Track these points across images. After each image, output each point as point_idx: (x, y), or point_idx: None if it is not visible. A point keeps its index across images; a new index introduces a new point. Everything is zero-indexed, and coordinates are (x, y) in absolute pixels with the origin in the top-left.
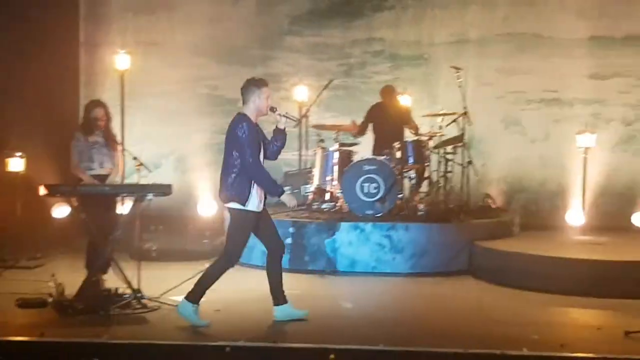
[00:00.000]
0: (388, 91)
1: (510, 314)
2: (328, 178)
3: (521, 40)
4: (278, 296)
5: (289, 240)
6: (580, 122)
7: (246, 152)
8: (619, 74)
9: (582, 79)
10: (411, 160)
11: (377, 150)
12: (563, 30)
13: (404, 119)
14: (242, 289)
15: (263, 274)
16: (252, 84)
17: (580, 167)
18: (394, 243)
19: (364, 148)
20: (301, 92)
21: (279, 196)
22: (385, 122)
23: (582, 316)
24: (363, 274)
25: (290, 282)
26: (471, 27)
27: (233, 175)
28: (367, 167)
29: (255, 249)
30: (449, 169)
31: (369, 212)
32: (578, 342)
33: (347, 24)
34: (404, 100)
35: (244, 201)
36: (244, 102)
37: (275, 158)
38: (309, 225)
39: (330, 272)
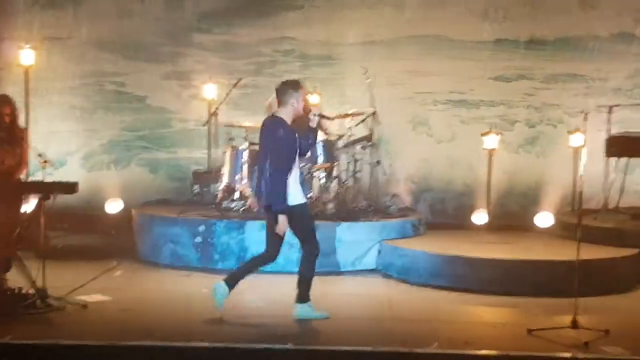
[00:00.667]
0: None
1: (417, 311)
2: (237, 177)
3: (429, 42)
4: (302, 294)
5: (198, 239)
6: (486, 124)
7: (279, 157)
8: (523, 76)
9: (488, 81)
10: (320, 159)
11: None
12: (469, 33)
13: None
14: (151, 289)
15: (172, 273)
16: (290, 86)
17: (485, 167)
18: None
19: None
20: (210, 90)
21: (280, 213)
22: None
23: (487, 314)
24: (272, 273)
25: (201, 282)
26: (380, 28)
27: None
28: None
29: (165, 248)
30: (357, 168)
31: None
32: (483, 340)
33: (256, 23)
34: (314, 99)
35: (300, 197)
36: (280, 104)
37: (305, 154)
38: (218, 224)
39: None
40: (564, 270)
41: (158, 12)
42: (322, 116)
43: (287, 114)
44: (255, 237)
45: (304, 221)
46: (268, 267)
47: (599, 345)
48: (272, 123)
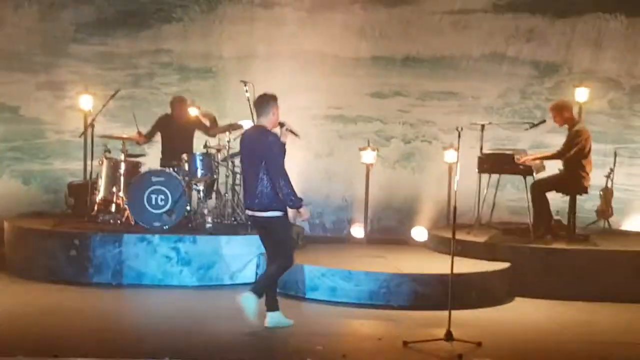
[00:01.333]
0: (178, 102)
1: (294, 325)
2: (114, 189)
3: (307, 57)
4: (271, 303)
5: (73, 252)
6: (364, 139)
7: (278, 161)
8: (399, 93)
9: (365, 97)
10: (199, 172)
11: (165, 161)
12: (346, 50)
13: (195, 128)
14: (22, 303)
15: (45, 287)
16: (271, 98)
17: (363, 182)
18: (182, 255)
19: (152, 160)
20: (86, 101)
21: (296, 207)
22: (174, 133)
23: (363, 327)
24: (150, 286)
25: (75, 296)
26: (259, 42)
27: (265, 183)
28: (154, 179)
29: (38, 261)
30: (237, 182)
31: (157, 224)
32: (359, 353)
33: (134, 34)
34: (194, 112)
35: (282, 208)
36: (260, 115)
37: None
38: (93, 237)
39: None
40: (438, 283)
41: (32, 22)
42: (291, 131)
43: (268, 123)
44: (131, 251)
45: (279, 234)
46: (147, 279)
47: (471, 357)
48: (258, 132)
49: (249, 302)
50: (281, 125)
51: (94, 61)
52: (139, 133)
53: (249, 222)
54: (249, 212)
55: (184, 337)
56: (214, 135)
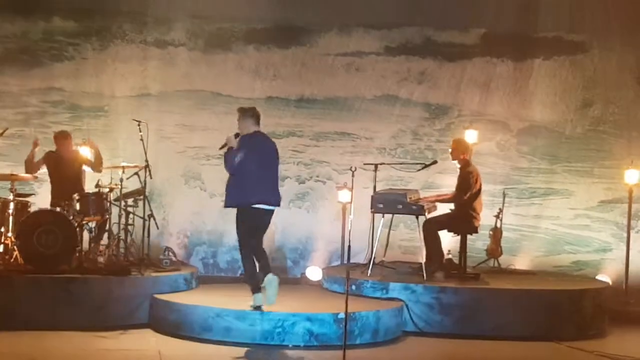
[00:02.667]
0: (62, 137)
1: None
2: (2, 229)
3: (201, 97)
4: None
5: None
6: None
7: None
8: (293, 133)
9: None
10: (91, 211)
11: (55, 201)
12: (241, 90)
13: (82, 165)
14: None
15: None
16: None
17: None
18: (74, 297)
19: (41, 200)
20: None
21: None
22: (63, 170)
23: None
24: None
25: None
26: (152, 81)
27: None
28: (44, 219)
29: None
30: (130, 221)
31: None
32: None
33: (24, 72)
34: (84, 150)
35: None
36: (245, 125)
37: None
38: None
39: None
40: (332, 322)
41: None
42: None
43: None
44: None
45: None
46: None
47: None
48: (267, 137)
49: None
50: (236, 136)
51: None
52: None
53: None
54: (269, 207)
55: None
56: (99, 171)
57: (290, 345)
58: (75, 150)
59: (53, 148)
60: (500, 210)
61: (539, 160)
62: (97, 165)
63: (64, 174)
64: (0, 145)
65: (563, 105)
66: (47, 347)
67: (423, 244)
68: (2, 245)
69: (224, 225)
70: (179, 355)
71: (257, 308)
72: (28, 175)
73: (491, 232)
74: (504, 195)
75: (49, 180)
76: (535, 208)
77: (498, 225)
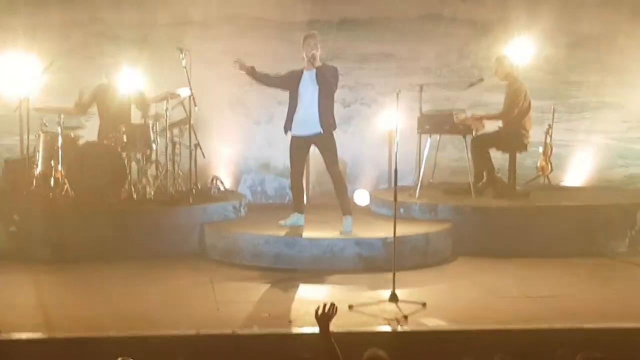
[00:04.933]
0: (114, 72)
1: (241, 293)
2: (52, 163)
3: (243, 23)
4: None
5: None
6: None
7: None
8: (337, 56)
9: (302, 61)
10: (137, 143)
11: (102, 134)
12: (284, 14)
13: (132, 101)
14: None
15: None
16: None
17: None
18: (124, 228)
19: (89, 132)
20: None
21: None
22: (111, 104)
23: (308, 292)
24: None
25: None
26: (193, 9)
27: None
28: (93, 152)
29: None
30: (176, 152)
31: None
32: (304, 317)
33: (65, 4)
34: (132, 81)
35: None
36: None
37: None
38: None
39: None
40: (381, 245)
41: None
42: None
43: None
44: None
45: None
46: None
47: (418, 318)
48: None
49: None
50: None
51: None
52: (76, 103)
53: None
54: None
55: (122, 311)
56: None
57: (339, 270)
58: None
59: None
60: (550, 126)
61: (589, 74)
62: (145, 110)
63: (112, 106)
64: (47, 79)
65: (613, 16)
66: (100, 277)
67: (471, 162)
68: (52, 179)
69: (270, 152)
70: (230, 282)
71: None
72: (72, 108)
73: (541, 149)
74: (554, 110)
75: (97, 113)
76: (586, 122)
77: (547, 141)
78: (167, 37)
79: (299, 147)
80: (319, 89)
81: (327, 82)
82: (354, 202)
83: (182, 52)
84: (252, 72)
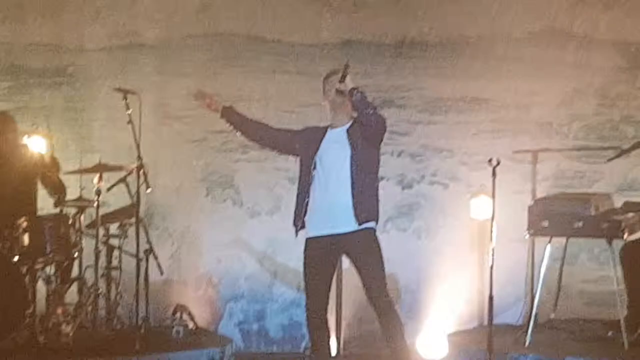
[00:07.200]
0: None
1: None
2: None
3: (228, 45)
4: None
5: None
6: None
7: None
8: (390, 101)
9: None
10: (48, 248)
11: None
12: (298, 30)
13: (35, 173)
14: None
15: None
16: None
17: None
18: None
19: None
20: None
21: None
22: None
23: None
24: None
25: None
26: (146, 22)
27: None
28: None
29: None
30: (114, 263)
31: None
32: None
33: None
34: (36, 143)
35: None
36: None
37: None
38: None
39: None
40: None
41: None
42: None
43: None
44: None
45: None
46: None
47: None
48: None
49: None
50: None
51: None
52: None
53: None
54: None
55: None
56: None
57: None
58: (22, 144)
59: None
60: None
61: None
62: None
63: (5, 182)
64: None
65: None
66: None
67: (623, 285)
68: None
69: (275, 264)
70: None
71: None
72: None
73: None
74: None
75: None
76: None
77: None
78: (102, 69)
79: (319, 259)
80: (353, 157)
81: (370, 141)
82: (417, 354)
83: (125, 95)
84: (227, 115)
